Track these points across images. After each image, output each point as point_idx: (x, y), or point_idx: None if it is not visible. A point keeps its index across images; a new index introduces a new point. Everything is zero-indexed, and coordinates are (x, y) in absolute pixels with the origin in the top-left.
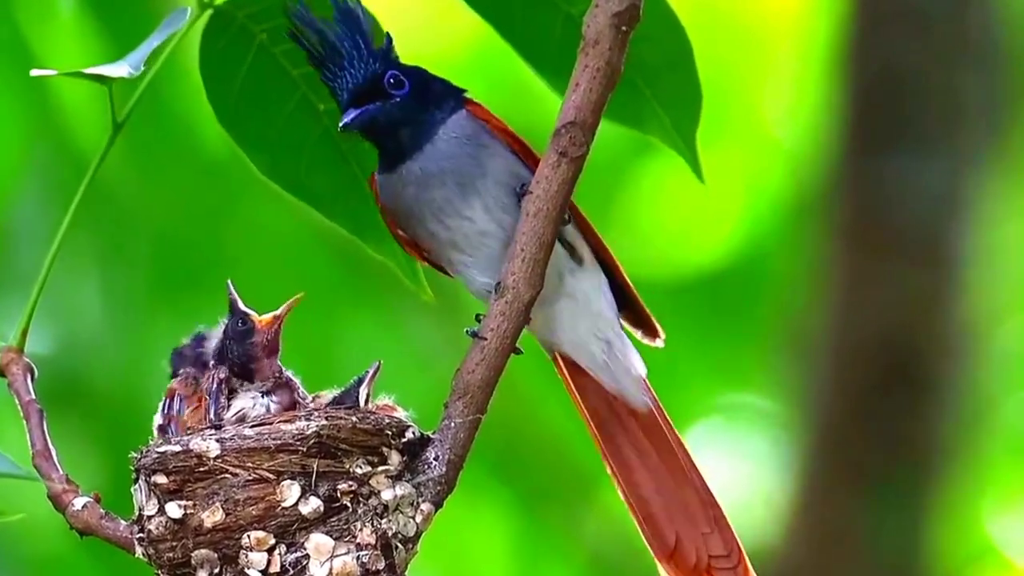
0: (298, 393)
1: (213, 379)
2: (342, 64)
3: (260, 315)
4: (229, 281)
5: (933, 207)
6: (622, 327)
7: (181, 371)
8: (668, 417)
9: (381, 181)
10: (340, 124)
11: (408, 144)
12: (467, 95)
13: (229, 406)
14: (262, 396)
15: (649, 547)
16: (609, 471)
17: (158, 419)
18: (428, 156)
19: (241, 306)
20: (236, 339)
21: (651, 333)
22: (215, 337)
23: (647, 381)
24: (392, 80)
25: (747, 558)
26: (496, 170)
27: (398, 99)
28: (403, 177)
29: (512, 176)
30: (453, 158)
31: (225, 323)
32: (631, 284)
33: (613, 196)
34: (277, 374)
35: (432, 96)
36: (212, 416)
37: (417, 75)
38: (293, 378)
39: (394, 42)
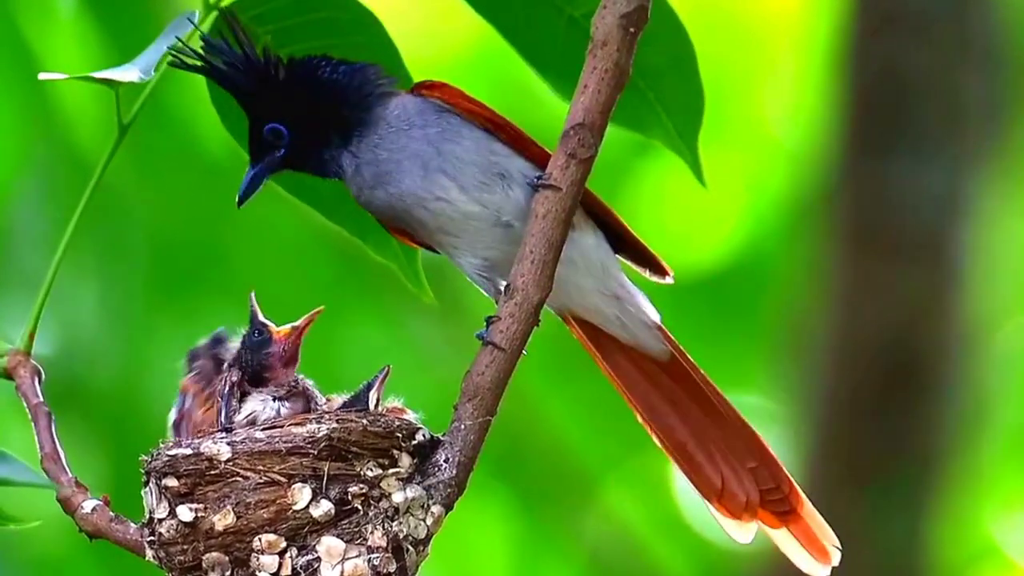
0: (314, 403)
1: (225, 382)
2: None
3: (278, 326)
4: (252, 293)
5: (934, 208)
6: (628, 277)
7: (195, 366)
8: (691, 359)
9: (351, 190)
10: (237, 203)
11: (338, 159)
12: (387, 80)
13: (240, 409)
14: (273, 400)
15: (697, 491)
16: (641, 421)
17: (173, 415)
18: (371, 156)
19: (260, 317)
20: (252, 349)
21: (659, 272)
22: (235, 342)
23: (663, 327)
24: (272, 133)
25: (797, 485)
26: (462, 150)
27: (283, 151)
28: (363, 182)
29: (485, 155)
30: (395, 149)
31: (243, 334)
32: (628, 227)
33: (614, 196)
34: (293, 383)
35: (338, 109)
36: (223, 419)
37: (304, 106)
38: (311, 388)
39: (274, 66)
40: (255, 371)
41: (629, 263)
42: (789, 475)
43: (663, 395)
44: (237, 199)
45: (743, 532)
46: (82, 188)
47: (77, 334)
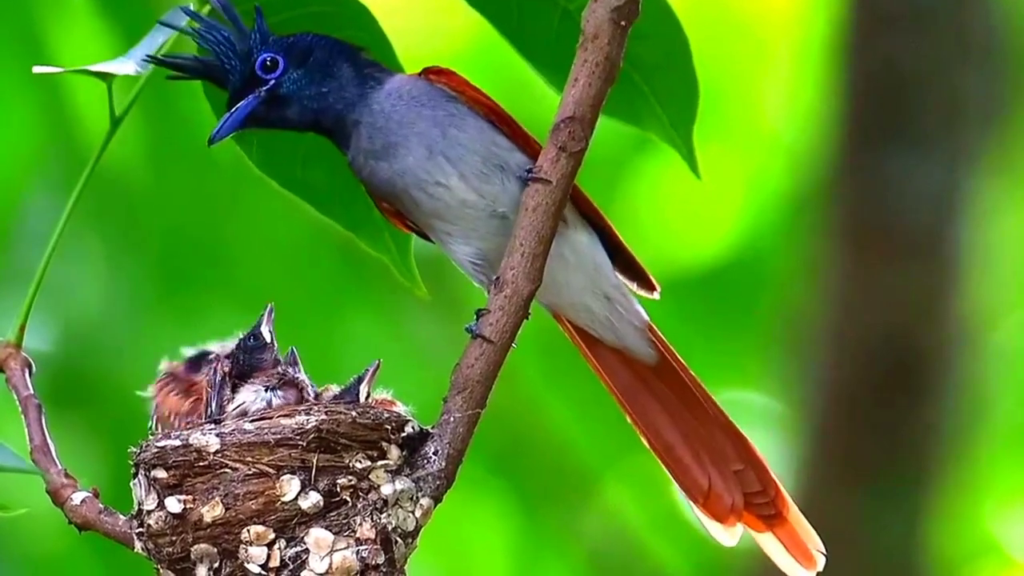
0: (306, 393)
1: (217, 371)
2: (224, 69)
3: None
4: (271, 305)
5: (932, 205)
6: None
7: (163, 367)
8: (681, 360)
9: (351, 162)
10: (208, 140)
11: (338, 118)
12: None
13: (232, 398)
14: (265, 391)
15: (682, 492)
16: (630, 420)
17: (151, 423)
18: (382, 122)
19: (263, 328)
20: (246, 351)
21: (647, 286)
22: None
23: (653, 328)
24: (267, 62)
25: (783, 489)
26: (466, 138)
27: (272, 82)
28: (363, 152)
29: (487, 145)
30: (405, 123)
31: (243, 335)
32: (622, 239)
33: (612, 192)
34: (282, 372)
35: (340, 62)
36: (213, 408)
37: (302, 46)
38: (302, 377)
39: (263, 16)
40: (243, 370)
41: (619, 275)
42: (776, 479)
43: (652, 396)
44: (210, 136)
45: (728, 535)
46: (91, 185)
47: (85, 330)
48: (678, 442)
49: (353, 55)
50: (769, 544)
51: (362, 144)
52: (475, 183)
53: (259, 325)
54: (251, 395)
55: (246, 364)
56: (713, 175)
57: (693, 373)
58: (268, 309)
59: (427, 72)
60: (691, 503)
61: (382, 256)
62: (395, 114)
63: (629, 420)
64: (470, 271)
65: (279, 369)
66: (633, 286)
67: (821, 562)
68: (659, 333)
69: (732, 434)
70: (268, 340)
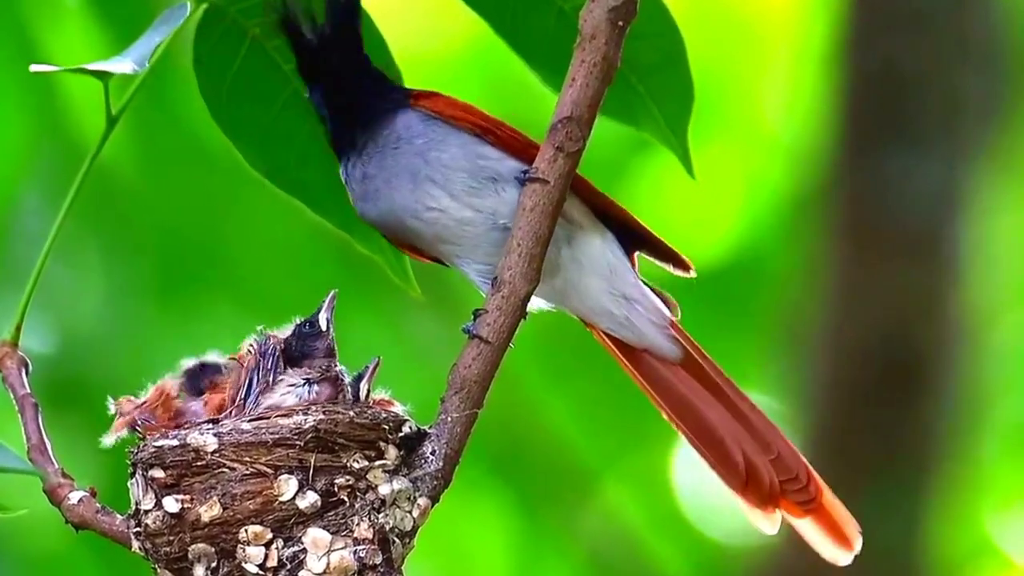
0: (343, 393)
1: (273, 348)
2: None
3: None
4: (334, 291)
5: (931, 204)
6: (642, 279)
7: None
8: (707, 354)
9: (353, 202)
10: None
11: (344, 166)
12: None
13: (274, 388)
14: (302, 383)
15: (723, 482)
16: (666, 417)
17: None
18: (360, 174)
19: (321, 315)
20: (300, 338)
21: (681, 266)
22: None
23: (676, 324)
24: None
25: (816, 475)
26: (448, 157)
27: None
28: (354, 195)
29: (472, 159)
30: (386, 167)
31: (299, 321)
32: (644, 225)
33: (611, 193)
34: (325, 368)
35: (367, 101)
36: (259, 377)
37: (344, 95)
38: (343, 375)
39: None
40: (293, 356)
41: (651, 259)
42: (808, 465)
43: (686, 389)
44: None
45: (769, 523)
46: (87, 185)
47: (83, 330)
48: (715, 436)
49: (367, 109)
50: (807, 530)
51: (349, 190)
52: (467, 199)
53: (318, 312)
54: (286, 388)
55: (297, 351)
56: (712, 175)
57: (719, 367)
58: (330, 296)
59: (407, 97)
60: (732, 493)
61: (376, 256)
62: (373, 161)
63: (665, 417)
64: (483, 289)
65: (325, 363)
66: (668, 268)
67: (859, 544)
68: (682, 329)
69: (763, 424)
70: (324, 328)
